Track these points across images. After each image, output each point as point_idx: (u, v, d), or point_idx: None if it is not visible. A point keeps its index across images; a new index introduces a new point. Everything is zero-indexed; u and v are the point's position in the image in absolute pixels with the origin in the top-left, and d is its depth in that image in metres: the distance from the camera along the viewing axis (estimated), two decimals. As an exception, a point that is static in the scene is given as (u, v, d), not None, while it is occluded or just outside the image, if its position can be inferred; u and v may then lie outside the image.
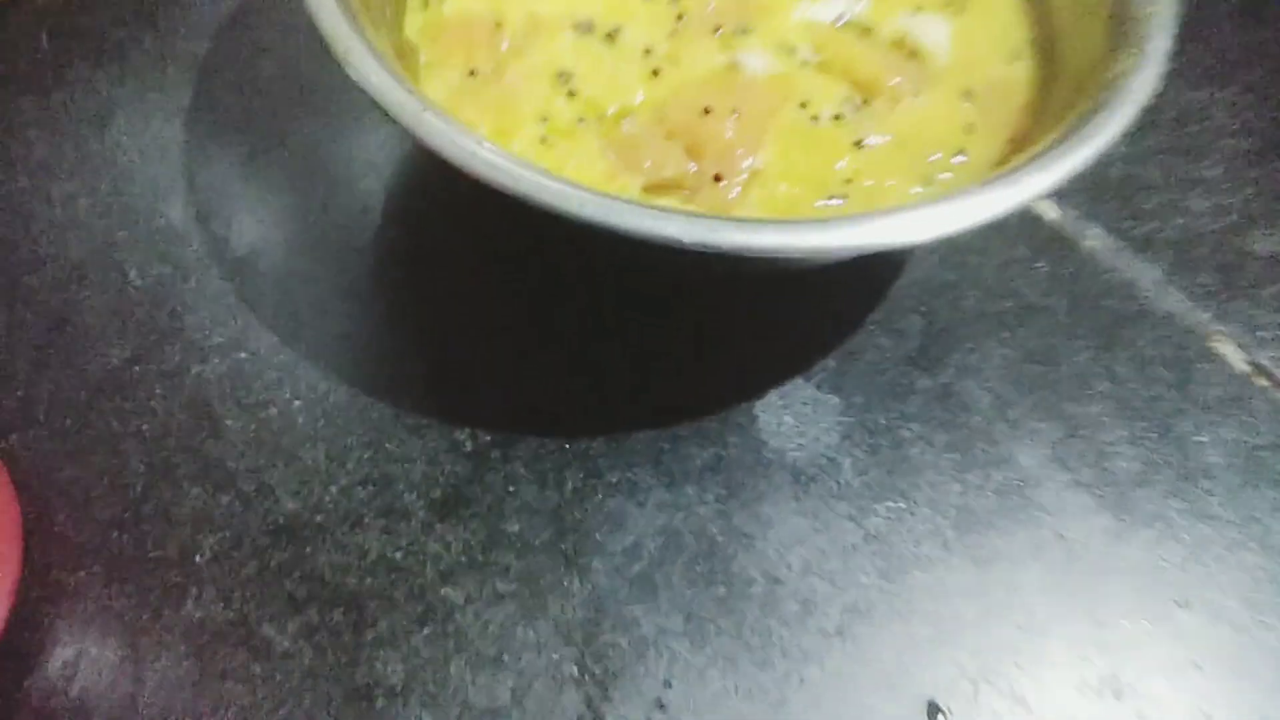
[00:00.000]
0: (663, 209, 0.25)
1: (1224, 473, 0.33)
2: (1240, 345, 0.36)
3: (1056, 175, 0.26)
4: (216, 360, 0.33)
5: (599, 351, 0.35)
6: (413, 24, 0.34)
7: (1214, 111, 0.43)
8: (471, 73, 0.33)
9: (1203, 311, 0.37)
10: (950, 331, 0.36)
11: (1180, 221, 0.39)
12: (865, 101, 0.33)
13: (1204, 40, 0.45)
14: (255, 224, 0.36)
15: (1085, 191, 0.28)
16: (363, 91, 0.26)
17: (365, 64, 0.27)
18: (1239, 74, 0.44)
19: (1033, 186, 0.26)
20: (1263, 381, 0.35)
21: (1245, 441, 0.34)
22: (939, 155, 0.32)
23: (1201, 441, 0.34)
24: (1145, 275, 0.38)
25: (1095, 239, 0.38)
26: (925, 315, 0.36)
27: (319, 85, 0.40)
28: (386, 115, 0.26)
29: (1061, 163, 0.26)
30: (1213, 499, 0.33)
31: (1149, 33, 0.30)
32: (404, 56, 0.33)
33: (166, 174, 0.37)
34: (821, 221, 0.25)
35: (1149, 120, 0.32)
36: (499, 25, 0.33)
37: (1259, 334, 0.36)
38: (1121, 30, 0.31)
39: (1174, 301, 0.37)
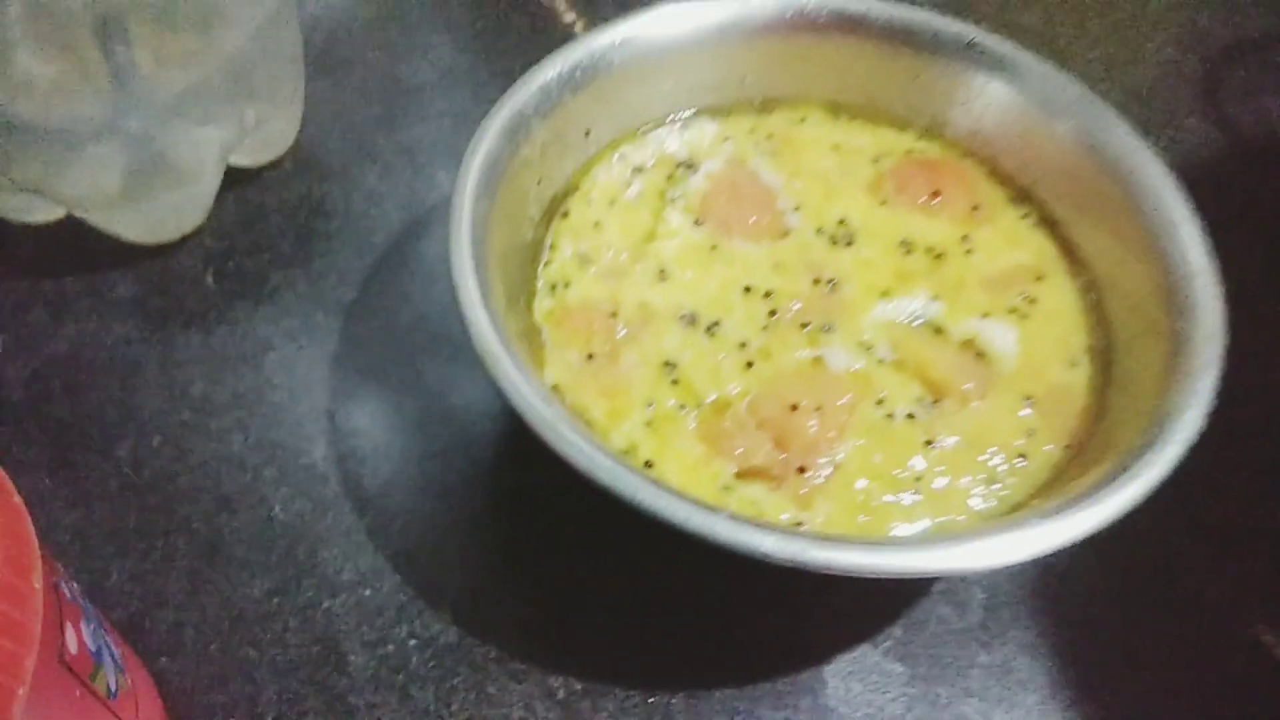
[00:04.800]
0: (757, 524, 0.29)
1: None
2: (1289, 637, 0.38)
3: (1106, 512, 0.30)
4: (344, 596, 0.37)
5: (683, 607, 0.38)
6: (540, 308, 0.39)
7: None
8: (590, 356, 0.37)
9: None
10: (1009, 607, 0.39)
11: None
12: (935, 401, 0.37)
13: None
14: (388, 464, 0.41)
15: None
16: (501, 394, 0.31)
17: (502, 363, 0.32)
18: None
19: (1085, 522, 0.29)
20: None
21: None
22: (1002, 458, 0.35)
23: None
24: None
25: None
26: (986, 589, 0.39)
27: (448, 335, 0.45)
28: (527, 426, 0.31)
29: (1113, 499, 0.30)
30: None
31: (1201, 366, 0.33)
32: (529, 337, 0.38)
33: (312, 414, 0.42)
34: (906, 546, 0.29)
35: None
36: (614, 314, 0.38)
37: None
38: (1179, 351, 0.35)
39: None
